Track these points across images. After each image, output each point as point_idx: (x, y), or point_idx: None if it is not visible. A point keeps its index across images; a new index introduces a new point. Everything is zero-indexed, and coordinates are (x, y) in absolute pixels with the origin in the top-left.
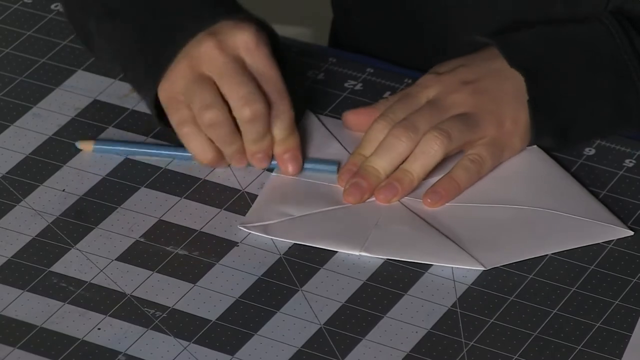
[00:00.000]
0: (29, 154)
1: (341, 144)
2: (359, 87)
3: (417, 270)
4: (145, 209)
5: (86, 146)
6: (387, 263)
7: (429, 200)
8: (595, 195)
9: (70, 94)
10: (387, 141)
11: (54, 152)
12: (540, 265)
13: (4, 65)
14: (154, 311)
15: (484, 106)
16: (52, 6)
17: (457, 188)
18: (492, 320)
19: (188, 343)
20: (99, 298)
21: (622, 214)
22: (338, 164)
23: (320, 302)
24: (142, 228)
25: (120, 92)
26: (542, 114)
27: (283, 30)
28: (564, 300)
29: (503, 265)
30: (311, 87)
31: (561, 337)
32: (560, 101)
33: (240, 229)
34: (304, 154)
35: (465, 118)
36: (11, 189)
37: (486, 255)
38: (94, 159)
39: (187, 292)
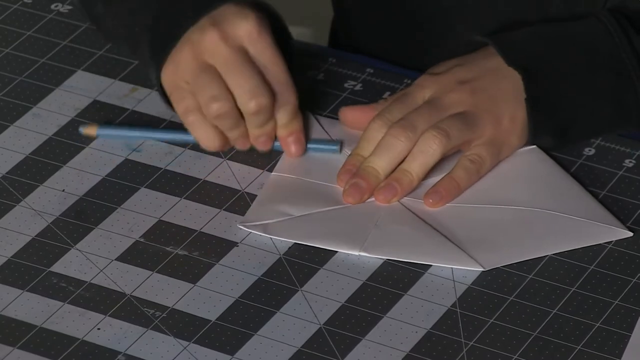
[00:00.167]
0: (29, 154)
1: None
2: (358, 87)
3: (417, 271)
4: (145, 209)
5: (90, 131)
6: (387, 263)
7: (430, 201)
8: (595, 195)
9: (70, 94)
10: (385, 141)
11: (54, 152)
12: (540, 265)
13: (3, 65)
14: (153, 311)
15: (482, 105)
16: (52, 6)
17: (458, 188)
18: (491, 320)
19: (188, 343)
20: (98, 298)
21: (621, 214)
22: (340, 143)
23: (320, 302)
24: (142, 228)
25: (120, 93)
26: (541, 113)
27: None
28: (563, 300)
29: (503, 266)
30: (311, 87)
31: (561, 337)
32: (560, 101)
33: (240, 229)
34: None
35: (463, 117)
36: (11, 189)
37: (485, 256)
38: (94, 159)
39: (187, 292)
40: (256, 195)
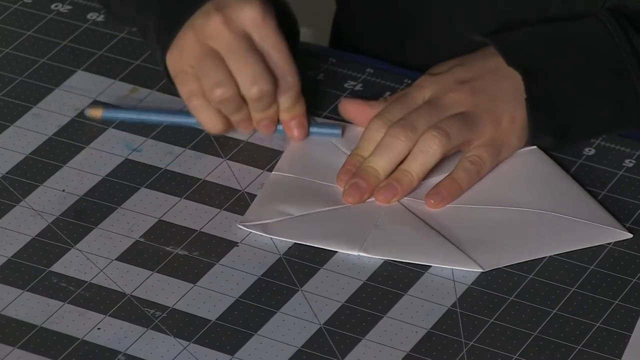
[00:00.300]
0: (29, 154)
1: (337, 146)
2: (358, 87)
3: (417, 270)
4: (145, 209)
5: (95, 113)
6: (387, 263)
7: (432, 201)
8: (594, 195)
9: (70, 94)
10: (385, 141)
11: (54, 152)
12: (540, 266)
13: (3, 65)
14: (153, 311)
15: (481, 105)
16: (52, 6)
17: (459, 189)
18: (491, 320)
19: (188, 343)
20: (98, 298)
21: (621, 214)
22: (342, 127)
23: (320, 302)
24: (142, 228)
25: (120, 93)
26: (541, 113)
27: None
28: (563, 300)
29: (502, 266)
30: (311, 87)
31: (561, 337)
32: (560, 101)
33: (240, 229)
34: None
35: (463, 117)
36: (11, 189)
37: (484, 257)
38: (95, 159)
39: (187, 292)
40: (256, 195)
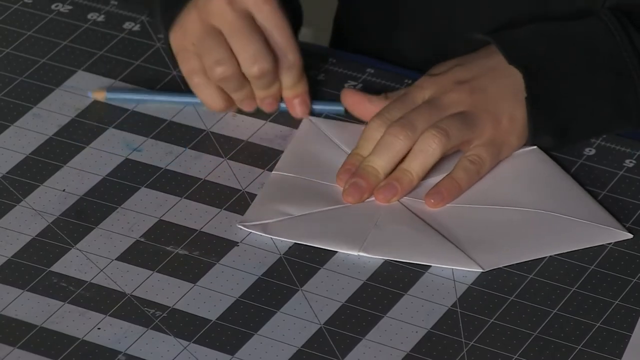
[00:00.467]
0: (29, 154)
1: (338, 145)
2: (359, 87)
3: (417, 270)
4: (145, 208)
5: (99, 95)
6: (387, 263)
7: (432, 201)
8: (595, 195)
9: (70, 94)
10: (385, 140)
11: (54, 152)
12: (540, 266)
13: (4, 65)
14: (154, 311)
15: (481, 105)
16: (53, 6)
17: (459, 188)
18: (492, 320)
19: (188, 343)
20: (99, 298)
21: (621, 214)
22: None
23: (320, 301)
24: (142, 228)
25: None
26: (541, 113)
27: None
28: (564, 300)
29: (503, 266)
30: (311, 87)
31: (561, 337)
32: (560, 101)
33: (240, 229)
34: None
35: (462, 117)
36: (11, 189)
37: (484, 257)
38: (95, 159)
39: (187, 291)
40: (256, 195)
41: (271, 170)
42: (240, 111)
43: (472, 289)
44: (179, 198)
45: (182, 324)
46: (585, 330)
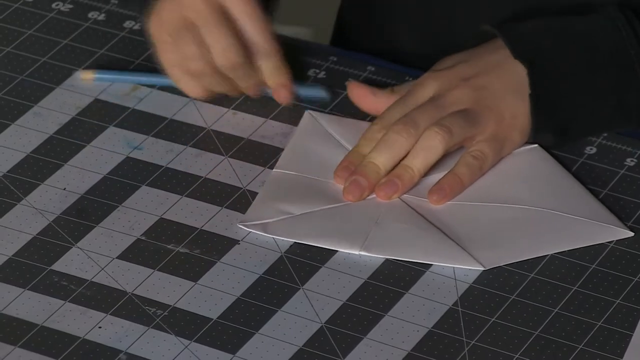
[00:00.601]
0: (30, 152)
1: (339, 141)
2: None
3: (418, 269)
4: (146, 207)
5: (87, 75)
6: (388, 262)
7: (434, 197)
8: (596, 194)
9: (71, 93)
10: (387, 137)
11: (55, 151)
12: (542, 264)
13: (4, 64)
14: (155, 310)
15: (484, 102)
16: (53, 5)
17: (461, 185)
18: (493, 319)
19: (189, 342)
20: (100, 296)
21: (622, 214)
22: (328, 90)
23: (321, 300)
24: (143, 226)
25: (121, 91)
26: (541, 112)
27: (284, 29)
28: (565, 300)
29: (504, 264)
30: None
31: (562, 336)
32: (560, 101)
33: (241, 228)
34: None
35: (465, 114)
36: (12, 187)
37: (486, 255)
38: (95, 157)
39: (188, 290)
40: (257, 193)
41: (272, 168)
42: (239, 109)
43: (473, 288)
44: (180, 196)
45: (183, 323)
46: (586, 329)
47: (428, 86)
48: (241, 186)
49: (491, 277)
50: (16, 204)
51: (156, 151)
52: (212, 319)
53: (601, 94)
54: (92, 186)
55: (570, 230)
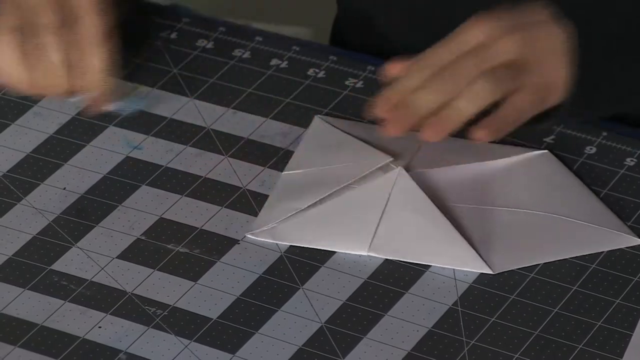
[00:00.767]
0: (30, 152)
1: (353, 136)
2: (360, 85)
3: (418, 269)
4: (146, 206)
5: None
6: (388, 261)
7: (478, 134)
8: (595, 194)
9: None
10: (433, 80)
11: (55, 151)
12: (541, 265)
13: None
14: (154, 309)
15: (531, 54)
16: None
17: (504, 127)
18: (493, 319)
19: (189, 341)
20: (99, 296)
21: (623, 213)
22: (146, 99)
23: (321, 300)
24: (143, 226)
25: (121, 91)
26: (583, 69)
27: (284, 29)
28: (564, 300)
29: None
30: (312, 85)
31: (562, 336)
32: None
33: (241, 227)
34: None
35: (511, 66)
36: (12, 187)
37: (495, 259)
38: (95, 157)
39: (188, 290)
40: (257, 193)
41: (272, 168)
42: (239, 109)
43: (473, 288)
44: (180, 196)
45: (182, 323)
46: (586, 329)
47: (474, 32)
48: (241, 186)
49: (491, 277)
50: (16, 204)
51: (156, 151)
52: (212, 319)
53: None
54: (92, 186)
55: (579, 237)
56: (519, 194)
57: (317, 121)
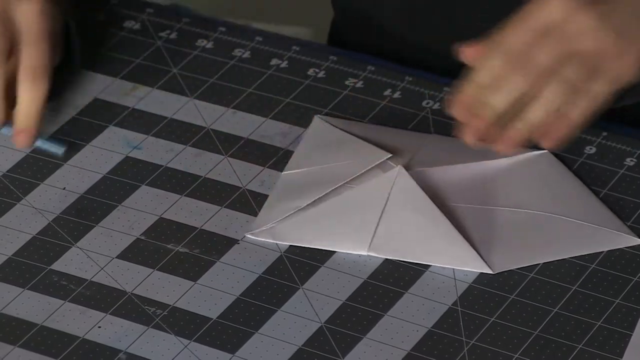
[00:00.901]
0: (30, 152)
1: (353, 134)
2: (359, 84)
3: (418, 269)
4: (145, 206)
5: None
6: (388, 261)
7: (547, 144)
8: (595, 194)
9: (70, 92)
10: (506, 77)
11: None
12: (541, 265)
13: None
14: (154, 309)
15: (608, 37)
16: None
17: (572, 127)
18: (492, 319)
19: (189, 341)
20: (99, 296)
21: (622, 213)
22: (66, 145)
23: (320, 300)
24: (143, 226)
25: (121, 91)
26: None
27: (284, 29)
28: (564, 299)
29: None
30: (312, 85)
31: (562, 336)
32: None
33: (241, 227)
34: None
35: (588, 64)
36: (12, 187)
37: (495, 259)
38: (95, 157)
39: (188, 290)
40: (257, 193)
41: (272, 168)
42: (238, 109)
43: (473, 288)
44: (180, 196)
45: (182, 323)
46: (585, 329)
47: (551, 7)
48: (241, 186)
49: (491, 277)
50: (16, 204)
51: (156, 151)
52: (212, 319)
53: None
54: (92, 186)
55: (579, 237)
56: (518, 193)
57: (317, 121)
